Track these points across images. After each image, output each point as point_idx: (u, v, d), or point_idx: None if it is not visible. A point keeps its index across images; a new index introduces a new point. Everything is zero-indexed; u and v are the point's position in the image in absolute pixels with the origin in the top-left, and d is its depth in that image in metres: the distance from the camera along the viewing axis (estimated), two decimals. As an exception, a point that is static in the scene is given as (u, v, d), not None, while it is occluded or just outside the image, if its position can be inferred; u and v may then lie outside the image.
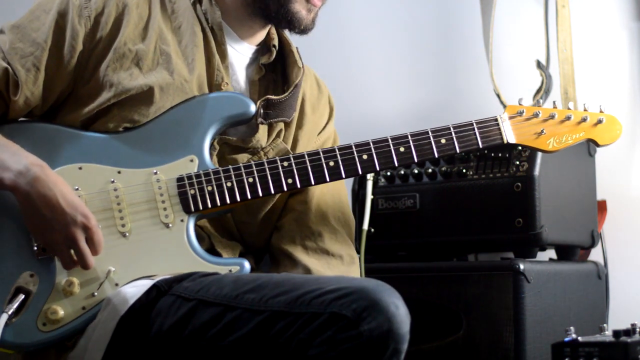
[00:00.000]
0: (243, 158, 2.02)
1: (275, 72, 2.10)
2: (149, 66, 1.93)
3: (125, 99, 1.91)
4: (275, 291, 1.70)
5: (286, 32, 2.09)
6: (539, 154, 2.42)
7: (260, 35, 2.08)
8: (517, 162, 2.44)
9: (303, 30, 2.02)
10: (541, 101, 2.81)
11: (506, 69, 2.93)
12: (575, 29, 2.83)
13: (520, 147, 2.44)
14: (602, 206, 2.78)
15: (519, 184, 2.43)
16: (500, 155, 2.47)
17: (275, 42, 2.09)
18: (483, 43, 2.88)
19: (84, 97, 1.93)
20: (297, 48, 2.10)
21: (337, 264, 2.07)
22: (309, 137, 2.13)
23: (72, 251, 1.81)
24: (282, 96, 2.02)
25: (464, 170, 2.51)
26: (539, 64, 2.83)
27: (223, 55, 2.01)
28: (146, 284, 1.82)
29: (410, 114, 3.08)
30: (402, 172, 2.60)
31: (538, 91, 2.81)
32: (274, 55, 2.08)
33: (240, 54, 2.06)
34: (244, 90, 2.06)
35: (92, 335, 1.81)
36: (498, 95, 2.79)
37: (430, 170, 2.55)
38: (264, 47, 2.10)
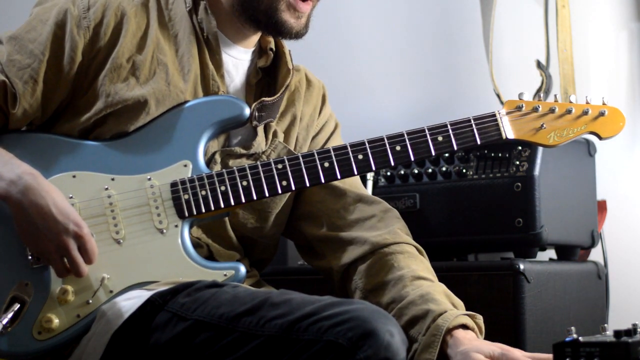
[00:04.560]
0: (246, 163, 2.01)
1: (270, 75, 2.10)
2: (146, 76, 1.93)
3: (121, 109, 1.91)
4: (272, 313, 1.70)
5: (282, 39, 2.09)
6: (539, 154, 2.42)
7: (255, 39, 2.08)
8: (517, 162, 2.44)
9: (295, 36, 2.02)
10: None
11: (506, 69, 2.93)
12: (575, 29, 2.83)
13: (520, 147, 2.44)
14: (602, 206, 2.78)
15: (519, 184, 2.42)
16: (500, 155, 2.47)
17: (272, 45, 2.09)
18: (483, 43, 2.88)
19: (81, 106, 1.93)
20: (289, 51, 2.10)
21: (375, 222, 2.06)
22: (308, 128, 2.14)
23: (65, 260, 1.81)
24: (275, 97, 2.02)
25: (464, 170, 2.51)
26: (539, 64, 2.83)
27: (218, 65, 2.01)
28: (141, 297, 1.81)
29: (410, 114, 3.08)
30: (402, 172, 2.60)
31: (538, 91, 2.81)
32: (271, 59, 2.08)
33: (237, 59, 2.06)
34: (240, 94, 2.06)
35: (86, 347, 1.81)
36: (498, 95, 2.79)
37: (430, 170, 2.55)
38: (260, 50, 2.10)
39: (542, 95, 2.80)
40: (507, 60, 2.95)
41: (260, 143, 2.03)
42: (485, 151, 2.49)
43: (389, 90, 3.18)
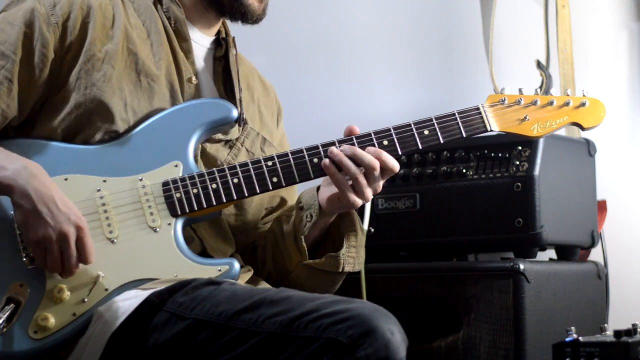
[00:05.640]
0: (223, 152, 2.04)
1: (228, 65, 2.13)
2: (120, 67, 1.94)
3: (100, 105, 1.91)
4: (271, 310, 1.70)
5: (227, 23, 2.13)
6: (539, 154, 2.42)
7: (217, 27, 2.13)
8: (517, 162, 2.44)
9: (256, 21, 2.07)
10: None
11: (506, 69, 2.93)
12: (575, 29, 2.84)
13: (520, 147, 2.44)
14: (602, 206, 2.78)
15: (519, 184, 2.42)
16: (500, 155, 2.47)
17: (223, 34, 2.12)
18: (483, 43, 2.88)
19: (57, 103, 1.94)
20: (233, 37, 2.13)
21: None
22: (271, 134, 2.17)
23: (61, 253, 1.81)
24: (241, 90, 2.05)
25: (464, 170, 2.51)
26: (539, 64, 2.83)
27: (187, 51, 2.04)
28: (138, 297, 1.82)
29: (410, 114, 3.06)
30: (403, 172, 2.60)
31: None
32: (224, 49, 2.11)
33: (202, 46, 2.09)
34: (210, 81, 2.08)
35: (84, 349, 1.81)
36: (498, 95, 2.79)
37: (430, 171, 2.55)
38: (218, 40, 2.13)
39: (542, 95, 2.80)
40: (507, 60, 2.96)
41: (234, 130, 2.05)
42: (485, 151, 2.49)
43: (389, 90, 3.18)
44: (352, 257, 2.04)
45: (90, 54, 1.93)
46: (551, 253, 2.67)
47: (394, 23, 3.20)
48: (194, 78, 2.02)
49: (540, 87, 2.81)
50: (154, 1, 2.04)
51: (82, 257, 1.82)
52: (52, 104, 1.94)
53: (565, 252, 2.59)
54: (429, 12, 3.16)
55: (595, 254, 2.72)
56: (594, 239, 2.63)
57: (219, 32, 2.13)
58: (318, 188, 2.03)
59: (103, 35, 1.96)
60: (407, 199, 2.58)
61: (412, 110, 3.10)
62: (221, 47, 2.12)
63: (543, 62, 2.84)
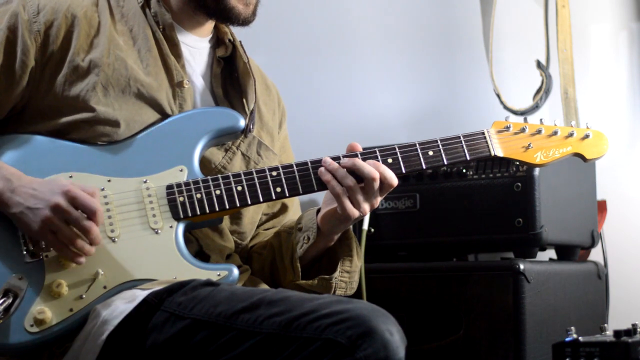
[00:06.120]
0: (217, 155, 2.04)
1: (229, 65, 2.12)
2: (107, 73, 1.94)
3: (87, 114, 1.92)
4: (269, 311, 1.70)
5: (230, 26, 2.12)
6: (539, 154, 2.42)
7: (209, 27, 2.11)
8: (517, 162, 2.44)
9: (243, 23, 2.05)
10: (541, 101, 2.81)
11: (506, 69, 2.93)
12: (575, 29, 2.84)
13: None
14: (602, 206, 2.78)
15: (519, 184, 2.43)
16: (500, 155, 2.48)
17: (229, 36, 2.11)
18: (483, 43, 2.88)
19: (45, 108, 1.93)
20: (240, 42, 2.12)
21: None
22: (272, 134, 2.16)
23: (67, 224, 1.80)
24: (255, 102, 2.04)
25: (464, 170, 2.51)
26: (539, 64, 2.83)
27: (178, 55, 2.03)
28: (136, 297, 1.82)
29: (410, 114, 3.08)
30: (403, 171, 2.60)
31: (538, 91, 2.81)
32: (230, 50, 2.10)
33: (194, 48, 2.08)
34: (206, 83, 2.07)
35: (82, 348, 1.81)
36: (498, 95, 2.80)
37: (430, 171, 2.55)
38: (217, 41, 2.12)
39: (542, 95, 2.80)
40: (507, 60, 2.96)
41: None
42: (485, 151, 2.49)
43: (389, 91, 3.18)
44: (345, 281, 2.04)
45: (74, 65, 1.93)
46: (551, 253, 2.67)
47: (394, 23, 3.20)
48: (185, 82, 2.02)
49: (540, 87, 2.81)
50: (142, 5, 2.03)
51: (88, 211, 1.81)
52: (42, 108, 1.94)
53: (565, 252, 2.59)
54: (429, 12, 3.16)
55: (595, 254, 2.73)
56: (594, 239, 2.63)
57: (217, 32, 2.12)
58: (318, 211, 2.04)
59: (87, 45, 1.95)
60: (407, 199, 2.58)
61: (412, 110, 3.11)
62: (225, 47, 2.11)
63: (543, 62, 2.85)
